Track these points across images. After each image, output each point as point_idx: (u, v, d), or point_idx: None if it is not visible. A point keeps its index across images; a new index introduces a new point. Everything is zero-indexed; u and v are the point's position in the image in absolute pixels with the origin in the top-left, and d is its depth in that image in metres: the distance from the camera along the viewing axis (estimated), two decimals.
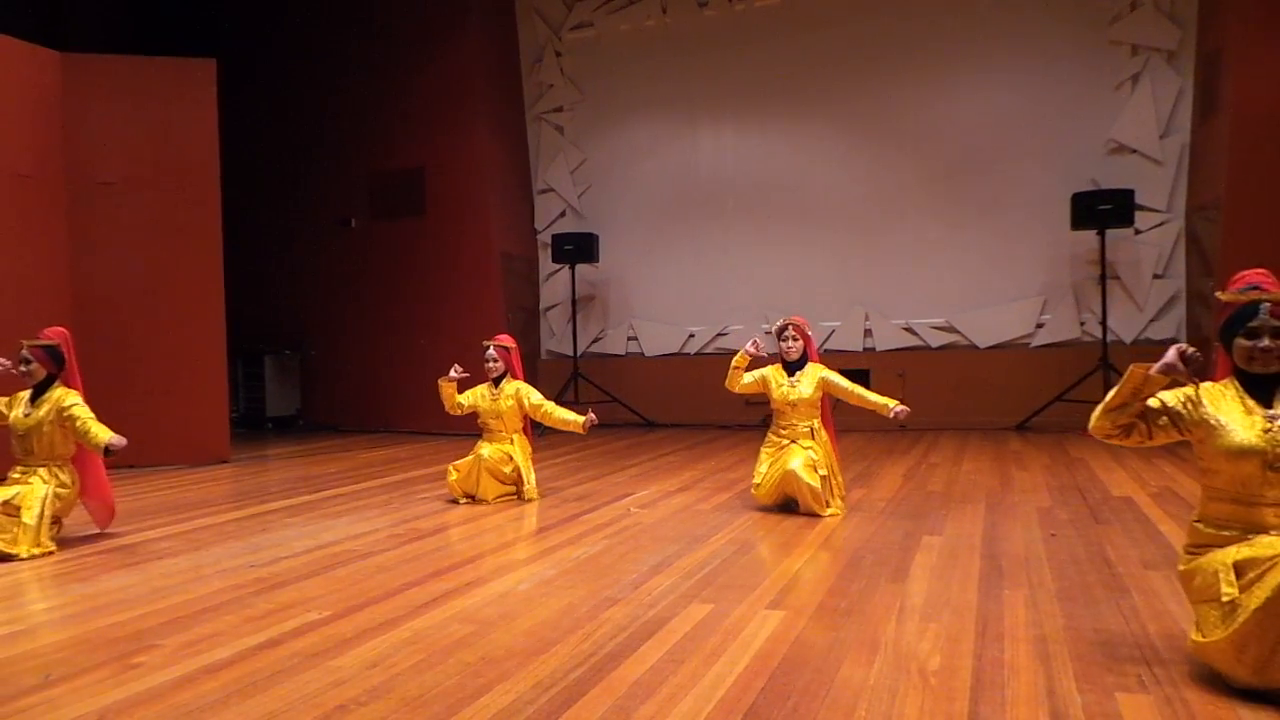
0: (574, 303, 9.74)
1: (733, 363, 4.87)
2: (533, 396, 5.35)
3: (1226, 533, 2.28)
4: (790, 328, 4.82)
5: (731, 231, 9.55)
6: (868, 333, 9.03)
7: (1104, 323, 7.79)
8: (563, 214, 10.28)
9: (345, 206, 10.10)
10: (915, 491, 5.20)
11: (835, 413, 4.96)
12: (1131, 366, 2.38)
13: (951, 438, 7.81)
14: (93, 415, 4.29)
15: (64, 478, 4.30)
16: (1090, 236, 7.85)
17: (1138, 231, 8.01)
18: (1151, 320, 8.09)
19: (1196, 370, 2.33)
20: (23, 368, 4.35)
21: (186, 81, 7.31)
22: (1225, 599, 2.13)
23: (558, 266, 9.92)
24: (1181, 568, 2.39)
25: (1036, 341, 8.46)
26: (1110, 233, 7.75)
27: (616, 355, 10.07)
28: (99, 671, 2.51)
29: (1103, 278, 7.80)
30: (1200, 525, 2.37)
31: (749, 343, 4.81)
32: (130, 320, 7.07)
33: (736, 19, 9.54)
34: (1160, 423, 2.39)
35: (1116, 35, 8.15)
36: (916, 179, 8.87)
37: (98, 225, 7.02)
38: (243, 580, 3.51)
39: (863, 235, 9.04)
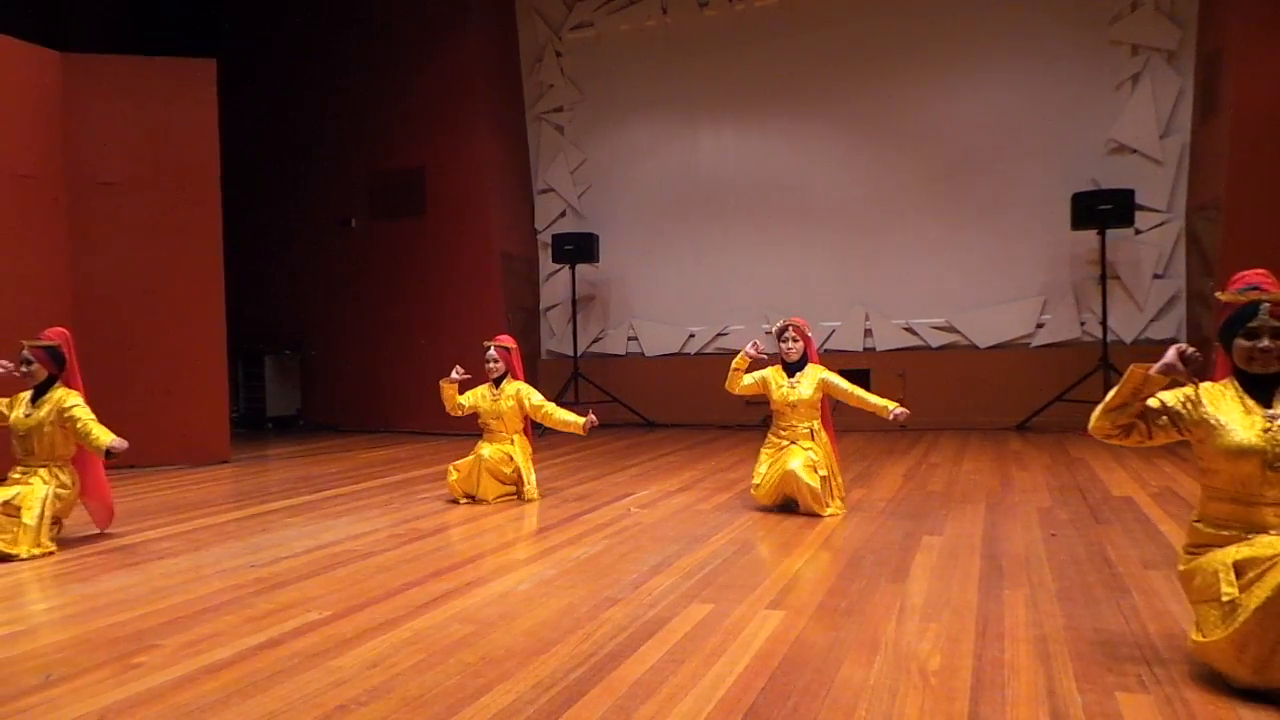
0: (574, 303, 9.74)
1: (732, 364, 4.88)
2: (533, 397, 5.35)
3: (1226, 532, 2.29)
4: (790, 329, 4.83)
5: (732, 231, 9.55)
6: (868, 333, 9.03)
7: (1104, 323, 7.79)
8: (563, 214, 10.28)
9: (345, 206, 10.11)
10: (915, 491, 5.20)
11: (835, 413, 4.96)
12: (1131, 366, 2.38)
13: (952, 438, 7.81)
14: (94, 417, 4.29)
15: (64, 478, 4.30)
16: (1090, 236, 7.85)
17: (1138, 231, 8.01)
18: (1152, 320, 8.09)
19: (1196, 370, 2.33)
20: (24, 368, 4.35)
21: (186, 81, 7.31)
22: (1225, 599, 2.13)
23: (558, 266, 9.92)
24: (1181, 568, 2.39)
25: (1037, 341, 8.46)
26: (1110, 233, 7.75)
27: (617, 355, 10.07)
28: (99, 672, 2.51)
29: (1103, 278, 7.80)
30: (1200, 525, 2.37)
31: (749, 344, 4.81)
32: (130, 320, 7.07)
33: (736, 19, 9.54)
34: (1160, 423, 2.40)
35: (1117, 35, 8.15)
36: (916, 179, 8.87)
37: (98, 225, 7.02)
38: (243, 580, 3.51)
39: (863, 235, 9.04)
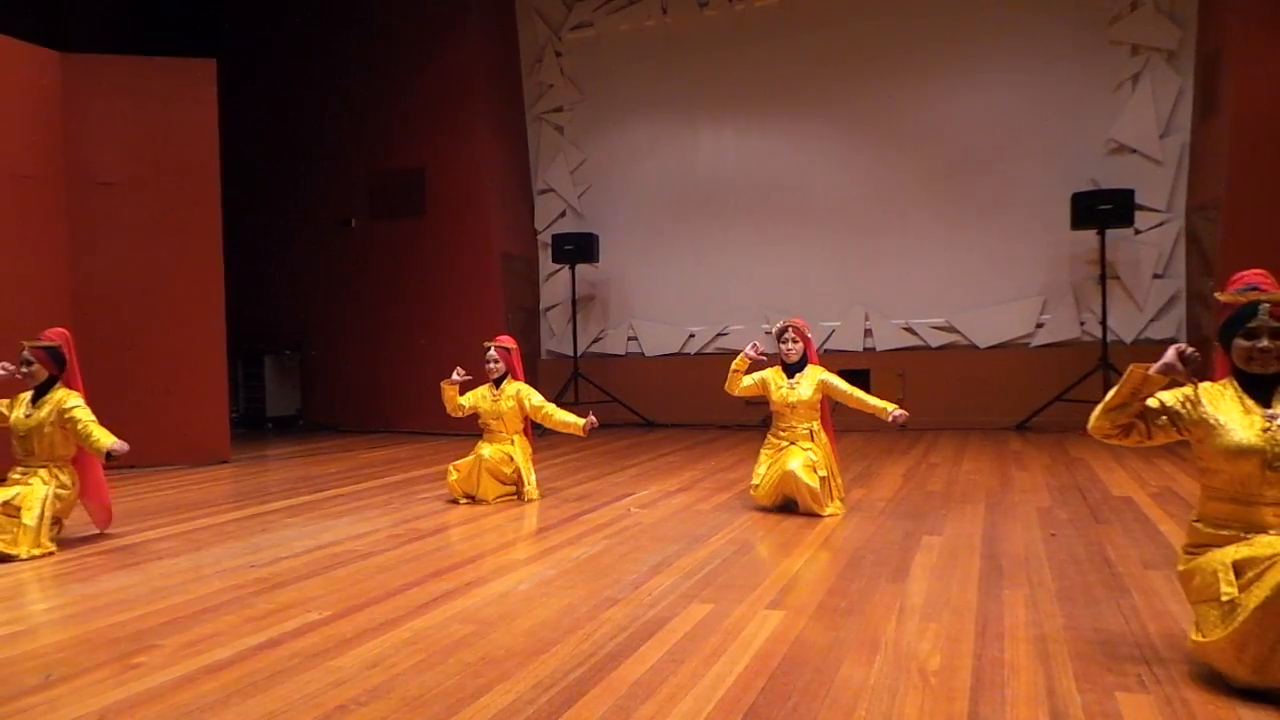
0: (574, 303, 9.74)
1: (732, 366, 4.88)
2: (533, 398, 5.35)
3: (1225, 532, 2.29)
4: (790, 330, 4.83)
5: (731, 231, 9.55)
6: (868, 333, 9.03)
7: (1104, 322, 7.79)
8: (563, 214, 10.28)
9: (345, 206, 10.11)
10: (915, 491, 5.20)
11: (834, 414, 4.96)
12: (1131, 366, 2.39)
13: (951, 438, 7.81)
14: (94, 418, 4.29)
15: (64, 479, 4.30)
16: (1090, 236, 7.85)
17: (1138, 231, 8.01)
18: (1151, 320, 8.09)
19: (1195, 370, 2.33)
20: (24, 369, 4.35)
21: (186, 81, 7.31)
22: (1225, 598, 2.14)
23: (558, 266, 9.93)
24: (1181, 568, 2.39)
25: (1036, 341, 8.46)
26: (1110, 232, 7.75)
27: (616, 355, 10.07)
28: (99, 672, 2.52)
29: (1103, 277, 7.80)
30: (1199, 525, 2.37)
31: (748, 346, 4.82)
32: (130, 320, 7.07)
33: (736, 19, 9.54)
34: (1159, 422, 2.40)
35: (1116, 35, 8.15)
36: (916, 179, 8.87)
37: (98, 225, 7.03)
38: (243, 580, 3.51)
39: (863, 235, 9.04)
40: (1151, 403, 2.40)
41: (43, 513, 4.08)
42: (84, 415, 4.27)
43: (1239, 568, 2.15)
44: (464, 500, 5.20)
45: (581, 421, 5.09)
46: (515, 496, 5.30)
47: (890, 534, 4.06)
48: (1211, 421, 2.32)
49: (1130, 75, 8.10)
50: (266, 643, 2.72)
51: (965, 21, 8.67)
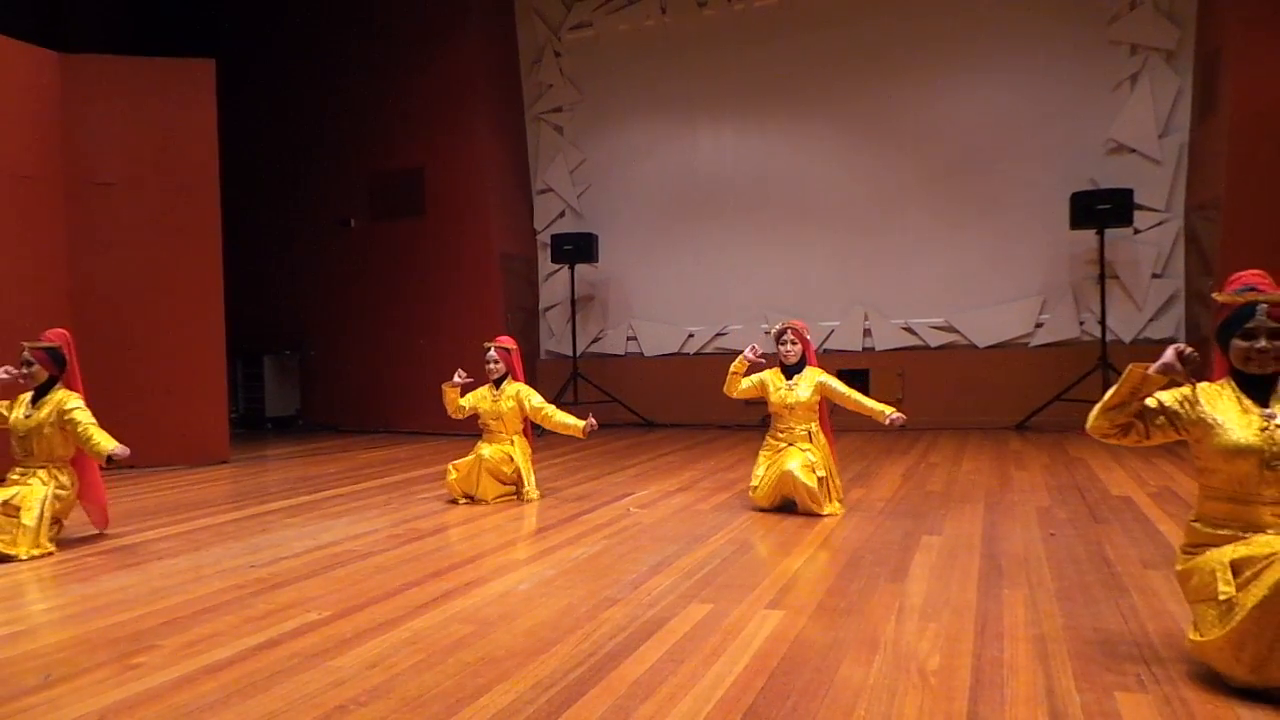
0: (573, 303, 9.74)
1: (731, 368, 4.89)
2: (533, 399, 5.35)
3: (1224, 532, 2.29)
4: (789, 331, 4.84)
5: (731, 231, 9.55)
6: (867, 332, 9.03)
7: (1103, 322, 7.80)
8: (562, 214, 10.28)
9: (345, 206, 10.11)
10: (914, 491, 5.21)
11: (833, 415, 4.97)
12: (1130, 366, 2.39)
13: (951, 437, 7.81)
14: (94, 421, 4.28)
15: (63, 479, 4.30)
16: (1089, 236, 7.86)
17: (1137, 231, 8.02)
18: (1150, 320, 8.09)
19: (1194, 370, 2.33)
20: (24, 370, 4.35)
21: (186, 82, 7.32)
22: (1222, 598, 2.14)
23: (557, 267, 9.93)
24: (1179, 567, 2.39)
25: (1036, 341, 8.47)
26: (1109, 232, 7.75)
27: (616, 355, 10.08)
28: (99, 672, 2.52)
29: (1101, 277, 7.81)
30: (1197, 525, 2.38)
31: (747, 348, 4.83)
32: (130, 320, 7.08)
33: (736, 19, 9.54)
34: (1158, 422, 2.40)
35: (1115, 35, 8.15)
36: (916, 179, 8.87)
37: (98, 225, 7.03)
38: (242, 581, 3.52)
39: (862, 235, 9.05)
40: (1150, 402, 2.40)
41: (42, 513, 4.08)
42: (84, 417, 4.27)
43: (1237, 567, 2.15)
44: (463, 500, 5.21)
45: (581, 423, 5.09)
46: (515, 496, 5.30)
47: (889, 534, 4.06)
48: (1209, 421, 2.32)
49: (1129, 75, 8.10)
50: (266, 643, 2.72)
51: (964, 21, 8.67)
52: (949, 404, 8.54)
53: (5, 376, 4.31)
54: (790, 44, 9.31)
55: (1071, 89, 8.30)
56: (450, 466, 5.27)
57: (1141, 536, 3.88)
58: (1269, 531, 2.21)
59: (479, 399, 5.46)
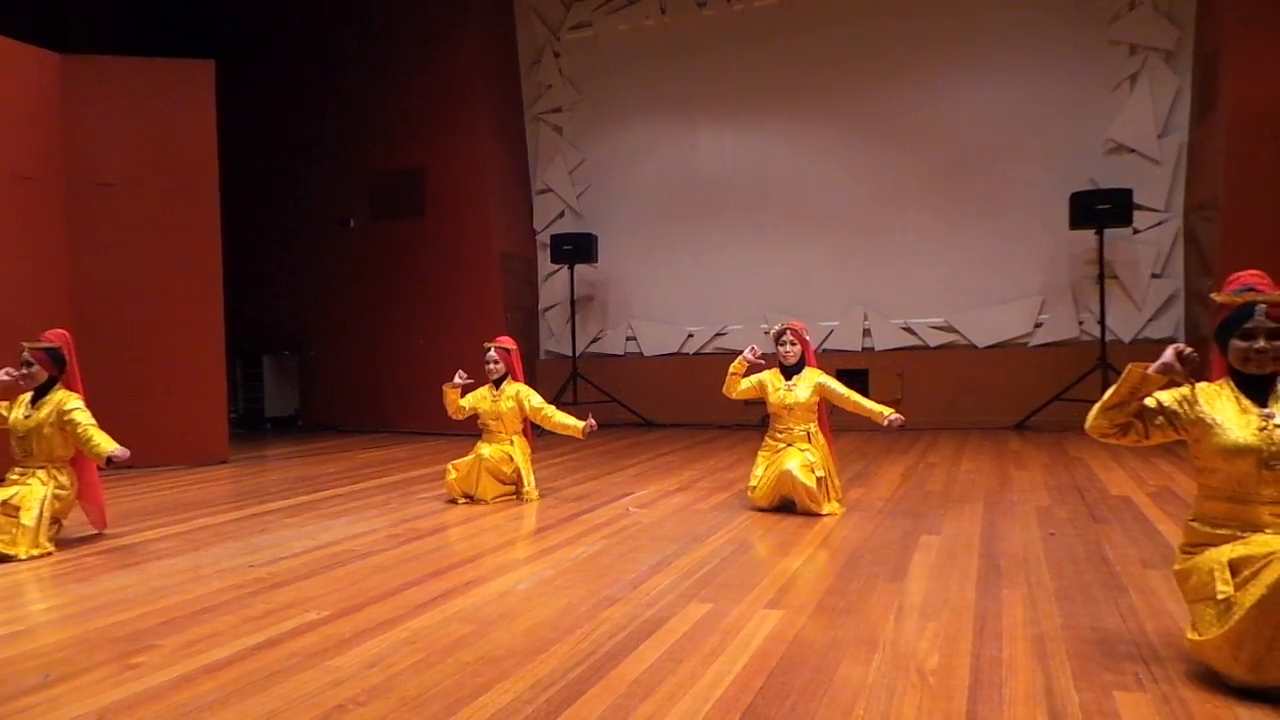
0: (573, 303, 9.74)
1: (730, 369, 4.90)
2: (533, 399, 5.35)
3: (1222, 531, 2.29)
4: (788, 332, 4.84)
5: (730, 231, 9.56)
6: (866, 332, 9.03)
7: (1102, 322, 7.80)
8: (561, 214, 10.28)
9: (345, 206, 10.11)
10: (914, 491, 5.21)
11: (832, 415, 4.97)
12: (1129, 365, 2.39)
13: (950, 437, 7.82)
14: (94, 422, 4.28)
15: (63, 479, 4.30)
16: (1089, 236, 7.86)
17: (1136, 231, 8.02)
18: (1150, 319, 8.09)
19: (1193, 370, 2.33)
20: (24, 370, 4.35)
21: (185, 82, 7.32)
22: (1220, 597, 2.14)
23: (556, 267, 9.93)
24: (1177, 567, 2.39)
25: (1035, 341, 8.47)
26: (1108, 232, 7.76)
27: (615, 355, 10.08)
28: (98, 671, 2.52)
29: (1101, 277, 7.81)
30: (1196, 524, 2.38)
31: (746, 350, 4.84)
32: (130, 320, 7.08)
33: (735, 19, 9.54)
34: (1157, 422, 2.40)
35: (1115, 35, 8.15)
36: (915, 178, 8.87)
37: (98, 226, 7.03)
38: (242, 580, 3.52)
39: (862, 235, 9.05)
40: (1149, 402, 2.41)
41: (41, 513, 4.08)
42: (84, 418, 4.26)
43: (1235, 566, 2.16)
44: (462, 500, 5.21)
45: (581, 424, 5.10)
46: (514, 496, 5.30)
47: (889, 533, 4.06)
48: (1208, 421, 2.33)
49: (1128, 75, 8.10)
50: (265, 643, 2.72)
51: (964, 21, 8.67)
52: (948, 404, 8.55)
53: (6, 378, 4.31)
54: (790, 44, 9.31)
55: (1071, 89, 8.30)
56: (450, 466, 5.27)
57: (1140, 536, 3.89)
58: (1267, 531, 2.21)
59: (479, 399, 5.46)
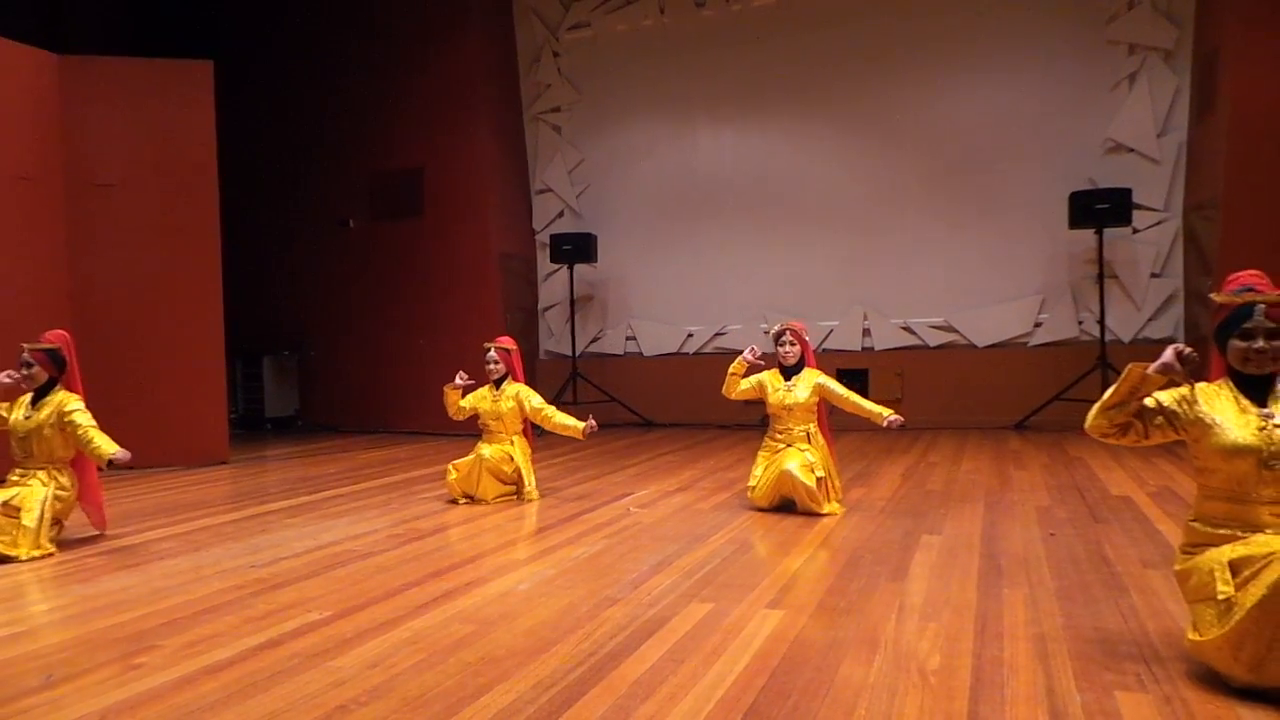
0: (572, 303, 9.75)
1: (729, 370, 4.90)
2: (533, 400, 5.36)
3: (1222, 531, 2.30)
4: (788, 333, 4.85)
5: (730, 231, 9.56)
6: (866, 332, 9.04)
7: (1102, 322, 7.80)
8: (561, 214, 10.28)
9: (345, 206, 10.11)
10: (914, 490, 5.21)
11: (832, 415, 4.97)
12: (1129, 365, 2.40)
13: (950, 437, 7.82)
14: (95, 423, 4.27)
15: (63, 480, 4.30)
16: (1088, 236, 7.86)
17: (1135, 230, 8.02)
18: (1149, 319, 8.09)
19: (1193, 370, 2.34)
20: (24, 371, 4.35)
21: (184, 83, 7.32)
22: (1221, 597, 2.14)
23: (556, 267, 9.93)
24: (1177, 567, 2.40)
25: (1035, 341, 8.47)
26: (1108, 232, 7.76)
27: (615, 355, 10.08)
28: (100, 672, 2.52)
29: (1100, 277, 7.81)
30: (1196, 524, 2.38)
31: (746, 350, 4.84)
32: (130, 321, 7.08)
33: (734, 19, 9.54)
34: (1156, 422, 2.41)
35: (1114, 34, 8.15)
36: (915, 179, 8.87)
37: (97, 226, 7.03)
38: (243, 581, 3.52)
39: (861, 235, 9.05)
40: (1149, 402, 2.41)
41: (42, 514, 4.08)
42: (84, 420, 4.26)
43: (1235, 566, 2.16)
44: (463, 500, 5.21)
45: (581, 425, 5.10)
46: (515, 496, 5.30)
47: (889, 533, 4.07)
48: (1208, 421, 2.33)
49: (1128, 74, 8.10)
50: (266, 643, 2.73)
51: (963, 21, 8.68)
52: (948, 404, 8.55)
53: (8, 380, 4.31)
54: (789, 44, 9.31)
55: (1070, 88, 8.30)
56: (450, 466, 5.27)
57: (1141, 536, 3.89)
58: (1267, 531, 2.22)
59: (479, 399, 5.46)
